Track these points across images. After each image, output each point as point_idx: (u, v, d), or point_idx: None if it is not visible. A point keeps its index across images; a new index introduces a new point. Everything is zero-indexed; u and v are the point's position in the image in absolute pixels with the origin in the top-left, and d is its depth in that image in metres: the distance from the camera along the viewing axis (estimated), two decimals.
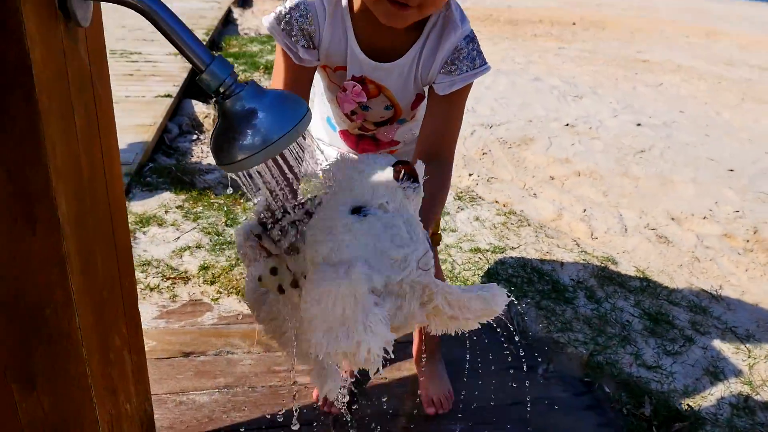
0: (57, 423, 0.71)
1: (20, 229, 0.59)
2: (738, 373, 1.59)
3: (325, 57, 1.03)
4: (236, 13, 7.63)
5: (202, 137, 3.29)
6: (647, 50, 7.06)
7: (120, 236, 0.88)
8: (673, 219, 2.70)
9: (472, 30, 1.01)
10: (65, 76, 0.62)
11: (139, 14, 0.64)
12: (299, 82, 1.02)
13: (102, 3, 0.67)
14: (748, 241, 2.56)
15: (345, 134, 1.21)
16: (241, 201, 2.33)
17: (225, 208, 2.23)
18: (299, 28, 0.98)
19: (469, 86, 1.01)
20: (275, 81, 1.04)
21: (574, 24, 8.88)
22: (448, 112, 1.02)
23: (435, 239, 1.30)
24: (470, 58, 0.99)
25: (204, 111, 3.56)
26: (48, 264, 0.61)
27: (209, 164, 2.84)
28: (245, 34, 6.26)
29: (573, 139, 3.62)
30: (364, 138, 1.19)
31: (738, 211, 2.83)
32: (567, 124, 3.89)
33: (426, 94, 1.07)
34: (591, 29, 8.55)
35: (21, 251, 0.60)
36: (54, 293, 0.63)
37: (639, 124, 4.01)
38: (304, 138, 0.75)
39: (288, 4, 0.98)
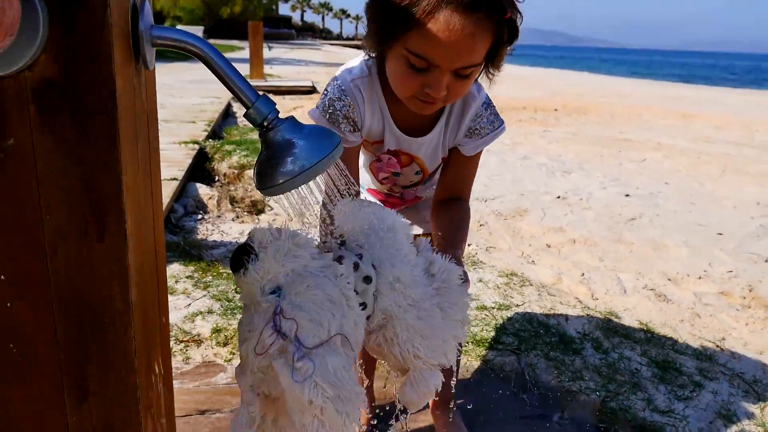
0: None
1: (90, 235, 0.65)
2: (750, 415, 1.60)
3: (366, 135, 1.13)
4: (235, 107, 8.00)
5: (206, 217, 3.39)
6: (628, 131, 7.41)
7: (161, 274, 0.94)
8: (669, 279, 2.77)
9: (487, 95, 1.12)
10: (133, 109, 0.71)
11: (199, 60, 0.74)
12: (351, 158, 1.11)
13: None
14: (744, 297, 2.62)
15: (372, 191, 1.31)
16: None
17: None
18: (343, 115, 1.07)
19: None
20: None
21: (556, 110, 9.34)
22: (469, 165, 1.15)
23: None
24: (489, 121, 1.11)
25: (208, 193, 3.68)
26: (111, 273, 0.67)
27: (214, 240, 2.92)
28: (244, 125, 6.54)
29: (565, 210, 3.74)
30: (391, 196, 1.29)
31: (731, 271, 2.90)
32: (558, 197, 4.04)
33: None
34: (573, 114, 8.99)
35: (88, 258, 0.66)
36: (114, 301, 0.69)
37: (627, 195, 4.17)
38: (338, 166, 0.84)
39: (330, 96, 1.07)
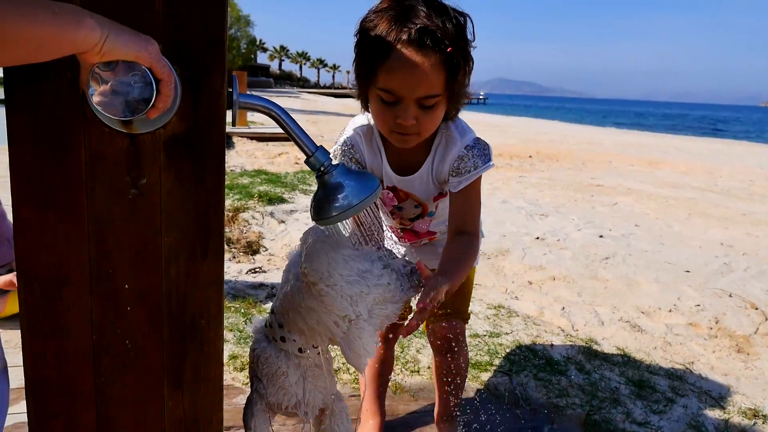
0: (191, 421, 0.90)
1: (197, 254, 0.84)
2: (717, 425, 1.80)
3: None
4: None
5: None
6: (599, 177, 7.81)
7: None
8: (642, 312, 3.00)
9: (474, 138, 1.31)
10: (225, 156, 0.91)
11: (271, 118, 0.95)
12: None
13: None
14: (711, 328, 2.85)
15: (391, 228, 1.52)
16: (256, 304, 2.54)
17: (242, 310, 2.43)
18: (350, 158, 1.33)
19: (476, 181, 1.29)
20: None
21: (530, 157, 9.76)
22: (463, 200, 1.30)
23: (464, 317, 1.53)
24: (473, 162, 1.28)
25: None
26: (210, 283, 0.86)
27: None
28: (231, 170, 6.73)
29: (544, 250, 3.99)
30: (405, 230, 1.50)
31: (699, 305, 3.15)
32: (537, 238, 4.29)
33: (446, 192, 1.39)
34: (546, 161, 9.41)
35: (194, 271, 0.85)
36: (210, 306, 0.87)
37: (601, 236, 4.44)
38: (376, 205, 1.05)
39: (339, 143, 1.34)
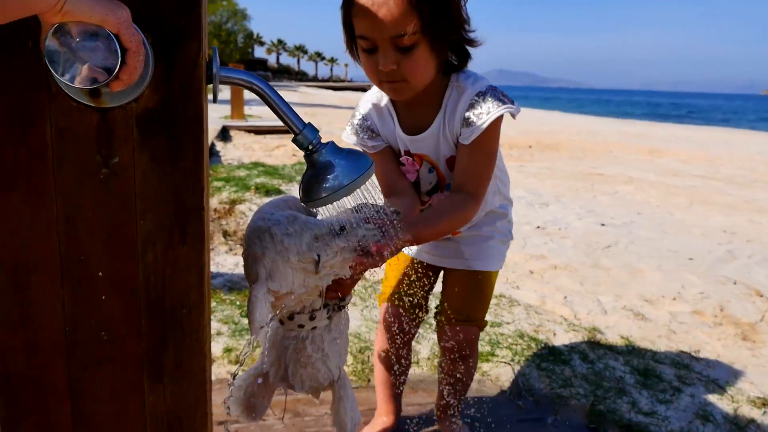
0: (173, 416, 0.85)
1: (175, 239, 0.78)
2: (725, 415, 1.74)
3: (386, 141, 1.32)
4: (218, 146, 8.12)
5: None
6: (600, 166, 7.74)
7: (209, 274, 1.06)
8: (646, 301, 2.94)
9: (487, 85, 1.18)
10: (207, 135, 0.85)
11: (255, 94, 0.89)
12: (385, 163, 1.29)
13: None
14: (716, 316, 2.80)
15: None
16: None
17: (238, 302, 2.38)
18: (362, 128, 1.32)
19: (490, 131, 1.15)
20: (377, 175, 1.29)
21: (530, 147, 9.69)
22: (470, 155, 1.18)
23: (480, 324, 1.45)
24: (486, 107, 1.14)
25: None
26: (191, 270, 0.80)
27: (211, 272, 3.01)
28: (229, 163, 6.67)
29: (545, 239, 3.93)
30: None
31: (703, 293, 3.09)
32: (538, 227, 4.23)
33: None
34: (546, 151, 9.33)
35: (172, 258, 0.79)
36: (191, 294, 0.81)
37: (603, 224, 4.39)
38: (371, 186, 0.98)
39: (354, 113, 1.35)
